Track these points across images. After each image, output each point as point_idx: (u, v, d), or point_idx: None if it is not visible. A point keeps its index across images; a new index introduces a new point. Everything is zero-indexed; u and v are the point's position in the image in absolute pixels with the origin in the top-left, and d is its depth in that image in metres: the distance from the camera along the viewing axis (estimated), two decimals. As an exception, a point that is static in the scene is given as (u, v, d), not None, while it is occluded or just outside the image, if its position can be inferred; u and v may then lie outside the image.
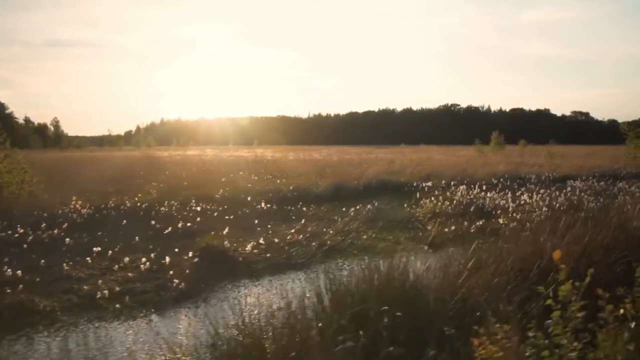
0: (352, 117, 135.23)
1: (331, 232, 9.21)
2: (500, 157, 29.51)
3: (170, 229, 8.88)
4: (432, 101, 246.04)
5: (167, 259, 6.87)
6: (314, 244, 8.28)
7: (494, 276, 4.39)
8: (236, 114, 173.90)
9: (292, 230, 8.90)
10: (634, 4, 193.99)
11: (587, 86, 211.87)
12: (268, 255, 7.59)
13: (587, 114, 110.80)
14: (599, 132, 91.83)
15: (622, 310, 2.46)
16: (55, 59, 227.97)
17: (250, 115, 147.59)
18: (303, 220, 9.31)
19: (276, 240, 8.32)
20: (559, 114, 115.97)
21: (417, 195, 12.71)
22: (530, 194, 12.07)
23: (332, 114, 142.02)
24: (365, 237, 8.75)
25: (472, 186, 14.37)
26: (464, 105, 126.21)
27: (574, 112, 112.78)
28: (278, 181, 15.63)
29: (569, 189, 13.57)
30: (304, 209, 11.50)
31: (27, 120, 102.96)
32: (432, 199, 11.33)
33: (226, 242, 7.61)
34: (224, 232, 8.04)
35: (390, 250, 8.10)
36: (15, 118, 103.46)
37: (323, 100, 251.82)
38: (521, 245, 5.45)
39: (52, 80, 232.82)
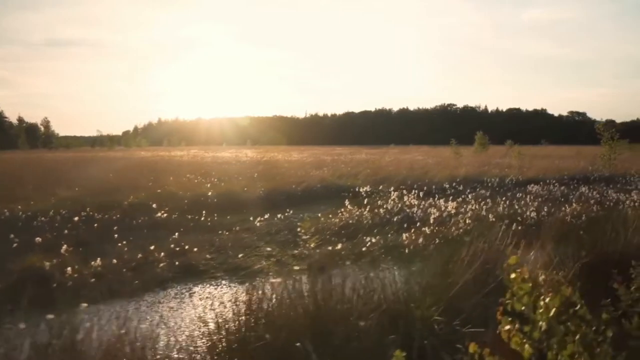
0: (349, 117, 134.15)
1: (212, 249, 7.96)
2: (475, 159, 28.16)
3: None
4: (431, 101, 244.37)
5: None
6: (177, 262, 7.00)
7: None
8: (235, 114, 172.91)
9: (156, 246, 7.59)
10: (633, 4, 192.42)
11: (586, 86, 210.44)
12: (105, 279, 6.30)
13: (583, 114, 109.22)
14: (595, 132, 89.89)
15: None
16: (55, 59, 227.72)
17: (247, 115, 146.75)
18: (176, 234, 7.97)
19: (133, 257, 7.02)
20: (556, 114, 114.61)
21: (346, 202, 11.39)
22: (467, 202, 10.73)
23: (329, 114, 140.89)
24: (241, 255, 7.43)
25: (415, 192, 13.12)
26: (460, 105, 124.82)
27: (571, 112, 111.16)
28: (208, 185, 14.32)
29: (518, 195, 12.24)
30: (207, 218, 10.19)
31: (20, 120, 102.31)
32: (349, 208, 10.00)
33: (48, 264, 6.30)
34: (62, 250, 6.73)
35: (263, 272, 6.85)
36: (5, 118, 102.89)
37: (323, 100, 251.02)
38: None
39: (51, 80, 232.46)
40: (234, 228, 9.68)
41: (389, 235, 7.99)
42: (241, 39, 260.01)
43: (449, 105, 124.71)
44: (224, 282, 6.52)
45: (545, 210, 9.98)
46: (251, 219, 10.04)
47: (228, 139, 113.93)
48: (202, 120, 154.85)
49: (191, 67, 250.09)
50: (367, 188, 12.93)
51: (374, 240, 7.47)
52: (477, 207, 10.12)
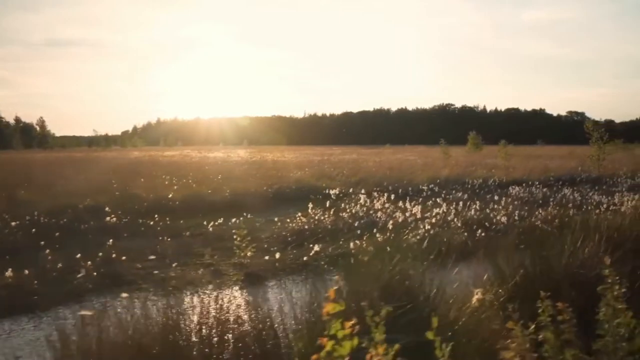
0: (348, 117, 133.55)
1: (152, 256, 7.38)
2: (465, 159, 27.56)
3: None
4: (431, 101, 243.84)
5: None
6: (102, 272, 6.42)
7: None
8: (234, 114, 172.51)
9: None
10: (633, 4, 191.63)
11: (586, 86, 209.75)
12: (11, 292, 5.72)
13: (582, 114, 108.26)
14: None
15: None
16: (55, 59, 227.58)
17: (245, 115, 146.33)
18: (110, 240, 7.38)
19: (54, 267, 6.45)
20: (555, 114, 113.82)
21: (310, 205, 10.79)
22: (437, 206, 10.13)
23: (327, 114, 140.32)
24: (178, 263, 6.84)
25: (389, 194, 12.55)
26: (458, 105, 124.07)
27: (570, 112, 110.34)
28: (175, 187, 13.74)
29: (496, 198, 11.64)
30: (160, 222, 9.62)
31: (17, 120, 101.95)
32: (311, 212, 9.42)
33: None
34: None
35: (194, 283, 6.28)
36: (1, 117, 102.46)
37: (322, 100, 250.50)
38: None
39: (51, 80, 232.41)
40: (185, 233, 9.12)
41: (341, 242, 7.41)
42: (241, 39, 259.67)
43: (447, 105, 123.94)
44: (143, 294, 5.93)
45: (517, 214, 9.41)
46: (205, 223, 9.46)
47: (226, 139, 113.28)
48: (200, 120, 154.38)
49: (191, 67, 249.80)
50: (337, 190, 12.34)
51: (317, 248, 6.88)
52: (446, 210, 9.54)
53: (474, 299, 3.82)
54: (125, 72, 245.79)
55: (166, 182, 15.69)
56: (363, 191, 12.03)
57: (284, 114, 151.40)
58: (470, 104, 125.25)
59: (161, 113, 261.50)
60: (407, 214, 9.02)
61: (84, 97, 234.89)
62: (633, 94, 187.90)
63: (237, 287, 6.08)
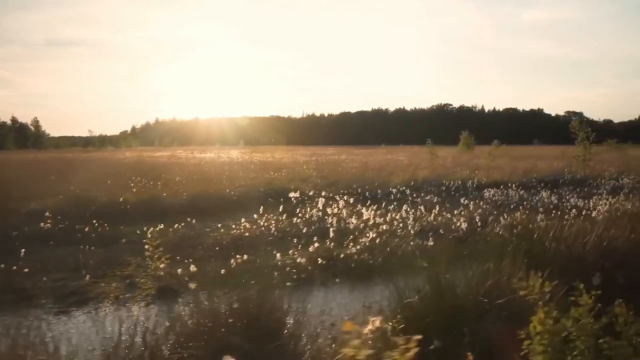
0: (346, 117, 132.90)
1: (69, 267, 6.77)
2: (452, 160, 26.90)
3: None
4: (431, 102, 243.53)
5: None
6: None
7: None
8: (234, 114, 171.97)
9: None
10: (633, 4, 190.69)
11: (586, 86, 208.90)
12: None
13: (580, 114, 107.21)
14: (592, 132, 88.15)
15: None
16: (55, 59, 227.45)
17: (244, 116, 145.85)
18: (23, 251, 6.75)
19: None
20: (553, 114, 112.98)
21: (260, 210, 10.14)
22: (397, 210, 9.49)
23: (325, 114, 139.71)
24: (91, 276, 6.21)
25: (356, 197, 11.94)
26: (456, 105, 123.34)
27: (568, 112, 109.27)
28: (134, 190, 13.10)
29: (465, 201, 10.99)
30: (99, 229, 8.99)
31: (13, 120, 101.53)
32: (257, 218, 8.78)
33: None
34: None
35: (99, 298, 5.67)
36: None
37: (322, 100, 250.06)
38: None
39: (51, 80, 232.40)
40: (121, 240, 8.48)
41: (274, 252, 6.76)
42: (241, 39, 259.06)
43: (445, 105, 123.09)
44: (39, 311, 5.32)
45: (479, 220, 8.75)
46: (145, 229, 8.81)
47: (224, 140, 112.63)
48: (199, 121, 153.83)
49: (191, 67, 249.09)
50: (298, 194, 11.62)
51: (241, 260, 6.25)
52: (405, 216, 8.90)
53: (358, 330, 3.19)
54: (125, 72, 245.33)
55: (131, 184, 15.07)
56: (323, 194, 11.40)
57: (282, 114, 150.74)
58: (468, 104, 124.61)
59: (161, 113, 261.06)
60: (359, 220, 8.37)
61: (84, 97, 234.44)
62: (633, 94, 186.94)
63: (142, 303, 5.45)
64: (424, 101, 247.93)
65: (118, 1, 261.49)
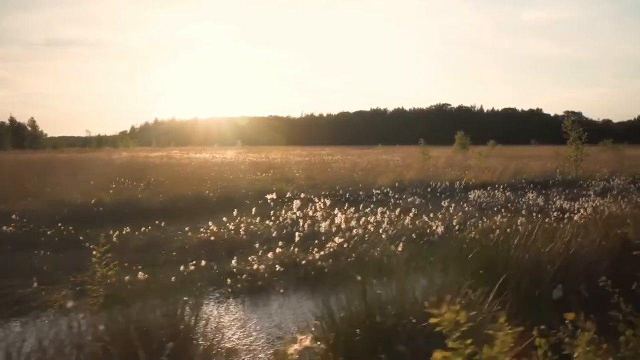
0: (345, 117, 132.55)
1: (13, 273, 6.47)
2: (444, 160, 26.56)
3: None
4: (430, 102, 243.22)
5: None
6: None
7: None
8: (233, 114, 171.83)
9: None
10: (633, 4, 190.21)
11: (586, 86, 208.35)
12: None
13: (579, 114, 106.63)
14: (591, 132, 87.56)
15: None
16: (55, 59, 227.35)
17: (243, 116, 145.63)
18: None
19: None
20: (552, 114, 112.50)
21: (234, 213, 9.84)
22: (373, 214, 9.18)
23: (324, 114, 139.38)
24: (41, 283, 5.91)
25: (336, 199, 11.67)
26: (455, 105, 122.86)
27: (567, 112, 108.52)
28: (111, 192, 12.80)
29: (445, 204, 10.68)
30: (64, 232, 8.70)
31: (12, 120, 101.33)
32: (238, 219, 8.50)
33: None
34: None
35: (42, 307, 5.38)
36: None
37: (323, 100, 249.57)
38: None
39: (51, 80, 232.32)
40: (85, 245, 8.16)
41: (233, 260, 6.44)
42: (241, 39, 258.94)
43: (444, 105, 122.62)
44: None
45: (457, 224, 8.43)
46: (111, 233, 8.52)
47: (223, 140, 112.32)
48: (198, 121, 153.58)
49: (190, 67, 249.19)
50: (274, 196, 11.31)
51: (196, 266, 5.95)
52: (381, 219, 8.59)
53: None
54: (124, 72, 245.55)
55: (113, 185, 14.77)
56: (303, 196, 11.12)
57: (282, 114, 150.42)
58: (468, 104, 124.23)
59: (160, 113, 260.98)
60: (332, 224, 8.07)
61: (84, 98, 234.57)
62: (633, 94, 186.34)
63: (85, 314, 5.14)
64: (423, 101, 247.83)
65: (118, 1, 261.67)
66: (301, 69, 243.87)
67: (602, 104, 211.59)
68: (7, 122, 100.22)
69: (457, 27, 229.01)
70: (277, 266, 5.98)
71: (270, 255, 6.31)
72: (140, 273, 5.53)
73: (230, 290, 5.70)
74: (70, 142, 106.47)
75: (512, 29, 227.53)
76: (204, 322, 3.49)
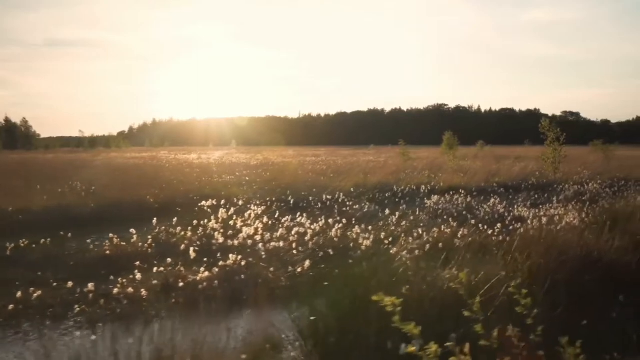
0: (342, 117, 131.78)
1: None
2: (424, 162, 25.73)
3: None
4: (428, 102, 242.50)
5: None
6: None
7: None
8: (230, 114, 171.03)
9: None
10: (633, 4, 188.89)
11: (586, 86, 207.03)
12: None
13: (577, 114, 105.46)
14: (589, 132, 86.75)
15: None
16: (55, 59, 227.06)
17: (240, 116, 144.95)
18: None
19: None
20: (550, 114, 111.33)
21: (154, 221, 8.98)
22: (300, 225, 8.33)
23: (322, 115, 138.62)
24: None
25: (279, 205, 10.86)
26: (452, 105, 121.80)
27: (564, 112, 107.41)
28: (45, 197, 11.97)
29: (399, 208, 9.84)
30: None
31: (6, 120, 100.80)
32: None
33: None
34: None
35: None
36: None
37: (319, 100, 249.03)
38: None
39: (51, 80, 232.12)
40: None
41: (111, 277, 5.62)
42: (239, 39, 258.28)
43: (441, 105, 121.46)
44: None
45: (388, 236, 7.57)
46: (8, 244, 7.70)
47: (219, 140, 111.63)
48: (195, 121, 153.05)
49: (190, 67, 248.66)
50: (210, 202, 10.45)
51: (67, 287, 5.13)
52: (304, 230, 7.74)
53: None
54: (123, 73, 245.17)
55: (59, 190, 13.96)
56: (241, 203, 10.30)
57: (279, 114, 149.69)
58: (465, 104, 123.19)
59: (159, 113, 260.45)
60: (245, 235, 7.23)
61: (83, 98, 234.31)
62: (632, 94, 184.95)
63: None
64: (421, 101, 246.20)
65: (117, 1, 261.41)
66: (299, 69, 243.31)
67: (601, 104, 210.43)
68: (2, 122, 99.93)
69: (455, 27, 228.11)
70: (154, 287, 5.16)
71: (154, 272, 5.49)
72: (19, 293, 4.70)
73: (86, 317, 4.88)
74: (64, 142, 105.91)
75: (511, 29, 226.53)
76: None
